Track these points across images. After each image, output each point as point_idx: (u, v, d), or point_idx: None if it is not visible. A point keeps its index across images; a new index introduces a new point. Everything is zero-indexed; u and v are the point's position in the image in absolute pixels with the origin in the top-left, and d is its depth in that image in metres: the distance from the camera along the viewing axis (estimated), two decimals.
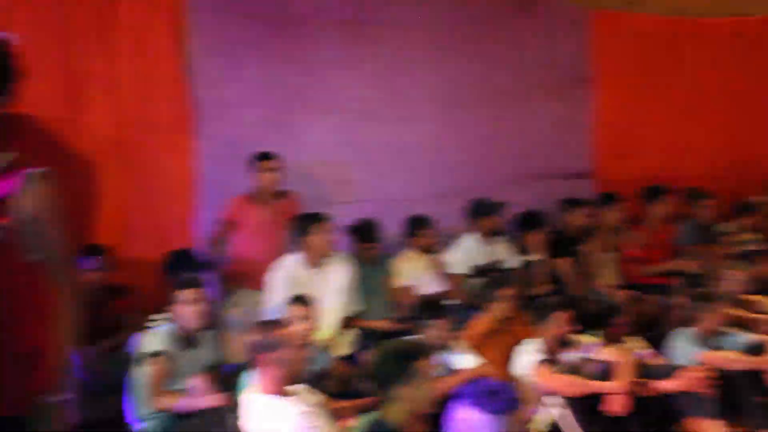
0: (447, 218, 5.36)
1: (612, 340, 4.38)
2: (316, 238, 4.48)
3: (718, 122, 7.27)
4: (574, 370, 4.09)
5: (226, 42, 5.20)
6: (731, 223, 6.43)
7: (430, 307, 4.15)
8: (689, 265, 5.77)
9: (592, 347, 4.23)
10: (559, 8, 6.38)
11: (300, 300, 4.08)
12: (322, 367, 4.09)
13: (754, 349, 4.35)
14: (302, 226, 4.54)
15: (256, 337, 3.30)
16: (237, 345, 3.97)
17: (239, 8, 5.24)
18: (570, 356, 4.14)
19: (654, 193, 6.04)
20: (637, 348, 4.51)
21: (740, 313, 4.95)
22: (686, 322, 4.54)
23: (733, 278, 5.16)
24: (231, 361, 3.97)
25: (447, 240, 5.31)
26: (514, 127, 6.03)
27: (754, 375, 4.23)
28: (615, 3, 7.45)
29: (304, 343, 3.86)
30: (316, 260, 4.53)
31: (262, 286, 4.51)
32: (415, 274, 5.06)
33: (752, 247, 6.26)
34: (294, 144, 5.26)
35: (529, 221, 5.46)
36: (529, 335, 4.21)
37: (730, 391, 4.16)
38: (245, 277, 4.77)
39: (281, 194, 4.96)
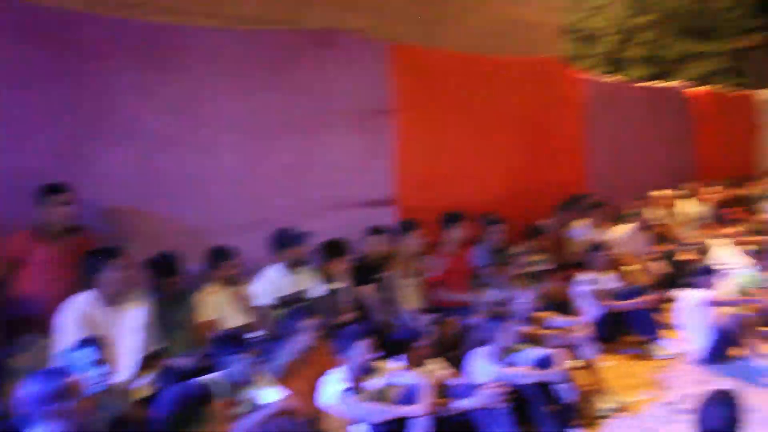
0: (250, 249, 5.27)
1: (415, 363, 4.51)
2: (110, 274, 4.22)
3: (508, 153, 7.81)
4: (378, 396, 4.17)
5: (10, 66, 4.80)
6: (521, 245, 6.88)
7: (233, 341, 4.05)
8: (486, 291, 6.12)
9: (395, 372, 4.34)
10: (360, 41, 6.54)
11: (93, 342, 3.82)
12: (118, 413, 3.85)
13: (544, 363, 4.67)
14: (95, 263, 4.26)
15: (41, 386, 3.04)
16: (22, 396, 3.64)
17: (25, 31, 4.86)
18: (374, 383, 4.21)
19: (451, 219, 6.30)
20: (438, 369, 4.68)
21: (531, 329, 5.29)
22: (483, 341, 4.79)
23: (524, 297, 5.53)
24: (15, 415, 3.63)
25: (251, 271, 5.22)
26: (317, 157, 6.07)
27: (544, 386, 4.55)
28: (413, 38, 7.82)
29: (98, 390, 3.63)
30: (111, 298, 4.26)
31: (51, 330, 4.17)
32: (218, 307, 4.91)
33: (540, 268, 6.76)
34: (86, 175, 4.93)
35: (332, 250, 5.50)
36: (334, 364, 4.23)
37: (523, 404, 4.44)
38: (31, 321, 4.39)
39: (72, 229, 4.62)
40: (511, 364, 4.65)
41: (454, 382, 4.58)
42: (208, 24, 6.03)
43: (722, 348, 5.87)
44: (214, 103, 5.60)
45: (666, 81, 13.30)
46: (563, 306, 6.23)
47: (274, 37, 5.99)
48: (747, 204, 9.98)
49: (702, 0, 17.71)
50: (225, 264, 5.03)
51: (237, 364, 3.91)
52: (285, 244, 5.23)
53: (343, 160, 6.24)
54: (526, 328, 5.23)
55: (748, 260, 7.09)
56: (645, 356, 6.14)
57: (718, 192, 10.29)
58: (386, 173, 6.55)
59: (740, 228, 8.34)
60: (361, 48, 6.51)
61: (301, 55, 6.07)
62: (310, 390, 4.21)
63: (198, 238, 5.22)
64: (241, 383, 3.91)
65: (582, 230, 7.61)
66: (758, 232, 7.71)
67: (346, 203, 6.19)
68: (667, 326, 6.36)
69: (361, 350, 4.14)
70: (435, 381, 4.41)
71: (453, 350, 5.21)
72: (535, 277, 6.65)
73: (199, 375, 3.96)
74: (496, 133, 7.68)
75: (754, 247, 7.18)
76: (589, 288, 6.38)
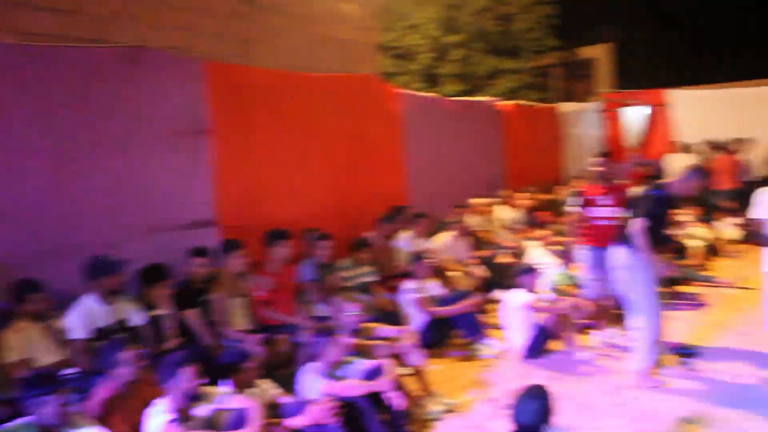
0: (61, 279, 4.93)
1: (243, 386, 4.39)
2: None
3: (330, 168, 7.87)
4: (208, 424, 4.02)
5: None
6: (347, 259, 6.95)
7: (44, 380, 3.75)
8: (313, 307, 6.12)
9: (224, 397, 4.21)
10: (172, 59, 6.33)
11: None
12: None
13: (373, 373, 4.73)
14: None
15: None
16: None
17: None
18: (202, 410, 4.06)
19: (275, 237, 6.19)
20: (269, 390, 4.60)
21: (359, 341, 5.34)
22: (313, 357, 4.77)
23: (351, 310, 5.58)
24: None
25: (63, 303, 4.86)
26: (131, 179, 5.76)
27: (375, 396, 4.60)
28: (228, 56, 7.74)
29: None
30: None
31: None
32: (27, 345, 4.54)
33: (367, 279, 6.88)
34: None
35: (151, 275, 5.27)
36: (159, 395, 4.04)
37: (355, 416, 4.46)
38: None
39: None
40: (341, 378, 4.67)
41: (285, 400, 4.52)
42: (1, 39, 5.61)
43: (541, 343, 6.25)
44: (14, 125, 5.17)
45: (477, 96, 14.05)
46: (391, 316, 6.36)
47: (78, 55, 5.64)
48: (555, 207, 10.70)
49: (505, 22, 18.99)
50: (32, 298, 4.66)
51: (49, 406, 3.63)
52: (99, 272, 4.91)
53: (160, 182, 5.97)
54: (355, 341, 5.28)
55: (557, 260, 7.59)
56: (471, 357, 6.40)
57: (528, 197, 10.98)
58: (206, 193, 6.34)
59: (549, 230, 8.93)
60: (174, 66, 6.28)
61: (109, 73, 5.73)
62: (134, 425, 4.00)
63: (1, 271, 4.80)
64: (55, 427, 3.63)
65: (405, 240, 7.81)
66: (563, 234, 8.28)
67: (164, 226, 5.93)
68: (492, 327, 6.68)
69: (185, 377, 3.97)
70: (266, 401, 4.33)
71: (283, 369, 5.15)
72: (362, 289, 6.76)
73: (4, 422, 3.65)
74: (317, 149, 7.72)
75: (561, 248, 7.70)
76: (415, 296, 6.56)
